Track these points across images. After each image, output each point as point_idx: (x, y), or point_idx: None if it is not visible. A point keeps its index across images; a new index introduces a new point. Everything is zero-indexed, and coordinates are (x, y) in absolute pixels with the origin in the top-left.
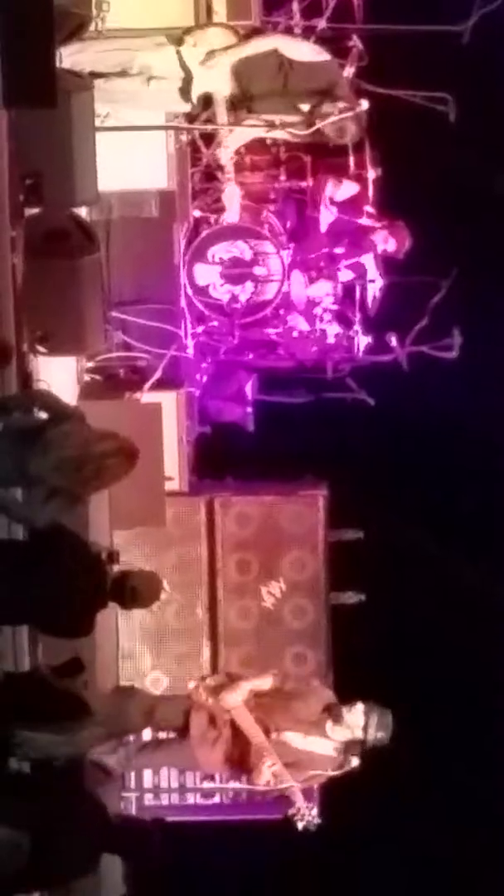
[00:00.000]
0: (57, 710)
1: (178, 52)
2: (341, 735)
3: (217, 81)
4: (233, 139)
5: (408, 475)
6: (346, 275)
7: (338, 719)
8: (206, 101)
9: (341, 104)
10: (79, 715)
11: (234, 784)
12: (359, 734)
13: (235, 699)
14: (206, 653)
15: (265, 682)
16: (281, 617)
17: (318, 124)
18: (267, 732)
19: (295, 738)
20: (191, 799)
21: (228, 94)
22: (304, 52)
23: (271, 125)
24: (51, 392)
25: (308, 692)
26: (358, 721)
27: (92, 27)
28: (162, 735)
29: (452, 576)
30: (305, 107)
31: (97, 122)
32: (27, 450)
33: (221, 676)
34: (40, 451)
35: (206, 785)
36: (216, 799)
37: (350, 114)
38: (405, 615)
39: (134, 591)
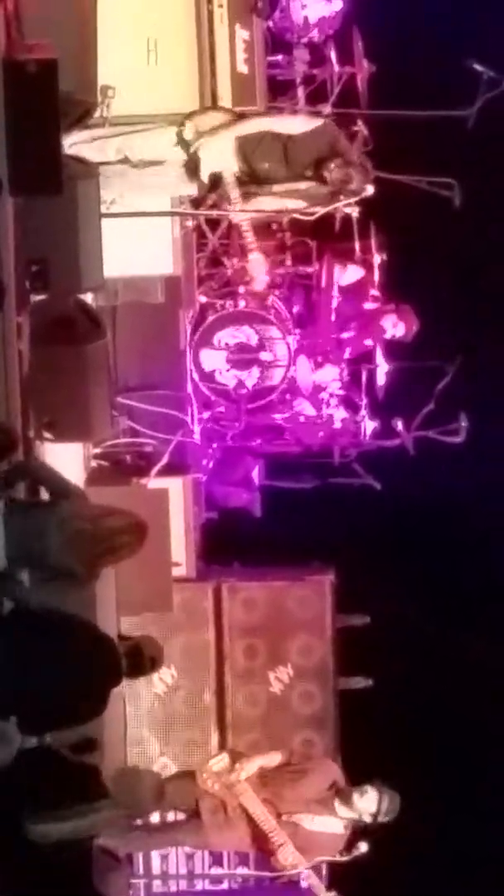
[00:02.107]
0: (71, 788)
1: (179, 137)
2: (348, 814)
3: (224, 161)
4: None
5: (415, 559)
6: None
7: (346, 800)
8: (215, 181)
9: (349, 158)
10: (94, 795)
11: (242, 870)
12: (367, 819)
13: (246, 772)
14: (214, 739)
15: (273, 759)
16: (289, 702)
17: (328, 184)
18: (278, 816)
19: (304, 820)
20: (199, 885)
21: (237, 171)
22: (298, 125)
23: (279, 211)
24: (47, 465)
25: (313, 768)
26: (370, 808)
27: (97, 114)
28: (171, 817)
29: (460, 660)
30: (310, 174)
31: (102, 209)
32: (39, 526)
33: (225, 759)
34: (56, 527)
35: (215, 871)
36: (224, 885)
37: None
38: (413, 699)
39: (153, 660)
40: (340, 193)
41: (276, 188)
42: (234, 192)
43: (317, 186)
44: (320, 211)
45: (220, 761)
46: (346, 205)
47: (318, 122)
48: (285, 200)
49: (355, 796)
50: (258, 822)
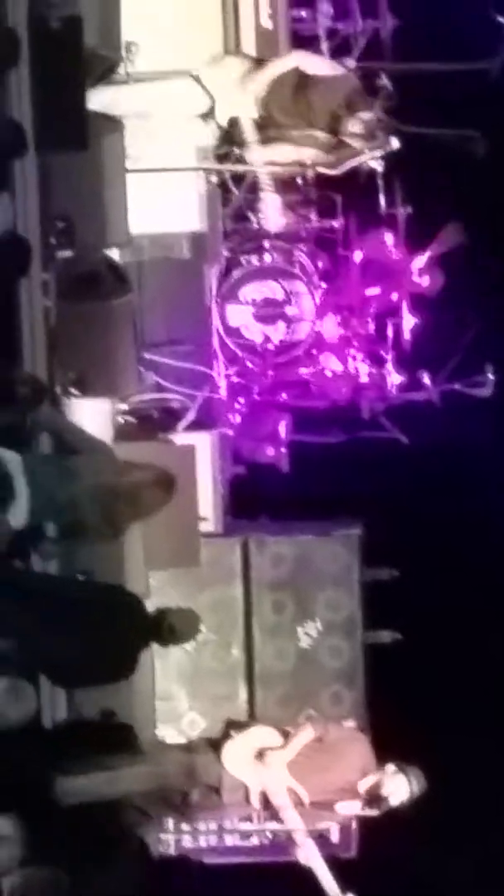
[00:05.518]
0: (98, 744)
1: (200, 84)
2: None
3: (243, 107)
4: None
5: (443, 513)
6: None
7: (375, 792)
8: (232, 124)
9: (365, 115)
10: (121, 749)
11: (272, 825)
12: (395, 804)
13: (282, 759)
14: (242, 694)
15: (307, 735)
16: (317, 657)
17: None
18: (300, 805)
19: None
20: (229, 841)
21: (255, 117)
22: (323, 66)
23: (302, 164)
24: (63, 418)
25: (346, 750)
26: (402, 795)
27: (121, 69)
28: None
29: (490, 612)
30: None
31: (128, 164)
32: (63, 480)
33: (256, 739)
34: (80, 482)
35: (245, 826)
36: (255, 840)
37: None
38: (441, 654)
39: (172, 628)
40: (359, 148)
41: (295, 133)
42: (252, 136)
43: (331, 138)
44: (347, 166)
45: (250, 741)
46: (370, 159)
47: (343, 70)
48: (302, 149)
49: (385, 786)
50: (281, 815)
